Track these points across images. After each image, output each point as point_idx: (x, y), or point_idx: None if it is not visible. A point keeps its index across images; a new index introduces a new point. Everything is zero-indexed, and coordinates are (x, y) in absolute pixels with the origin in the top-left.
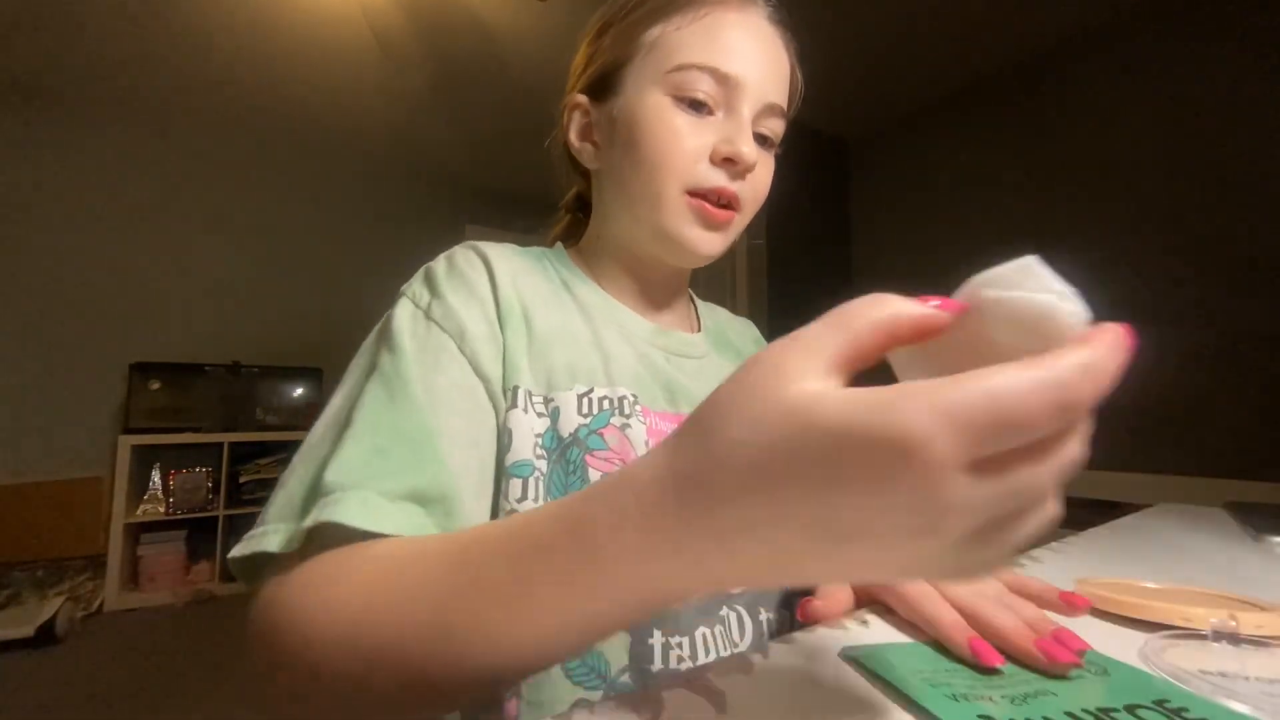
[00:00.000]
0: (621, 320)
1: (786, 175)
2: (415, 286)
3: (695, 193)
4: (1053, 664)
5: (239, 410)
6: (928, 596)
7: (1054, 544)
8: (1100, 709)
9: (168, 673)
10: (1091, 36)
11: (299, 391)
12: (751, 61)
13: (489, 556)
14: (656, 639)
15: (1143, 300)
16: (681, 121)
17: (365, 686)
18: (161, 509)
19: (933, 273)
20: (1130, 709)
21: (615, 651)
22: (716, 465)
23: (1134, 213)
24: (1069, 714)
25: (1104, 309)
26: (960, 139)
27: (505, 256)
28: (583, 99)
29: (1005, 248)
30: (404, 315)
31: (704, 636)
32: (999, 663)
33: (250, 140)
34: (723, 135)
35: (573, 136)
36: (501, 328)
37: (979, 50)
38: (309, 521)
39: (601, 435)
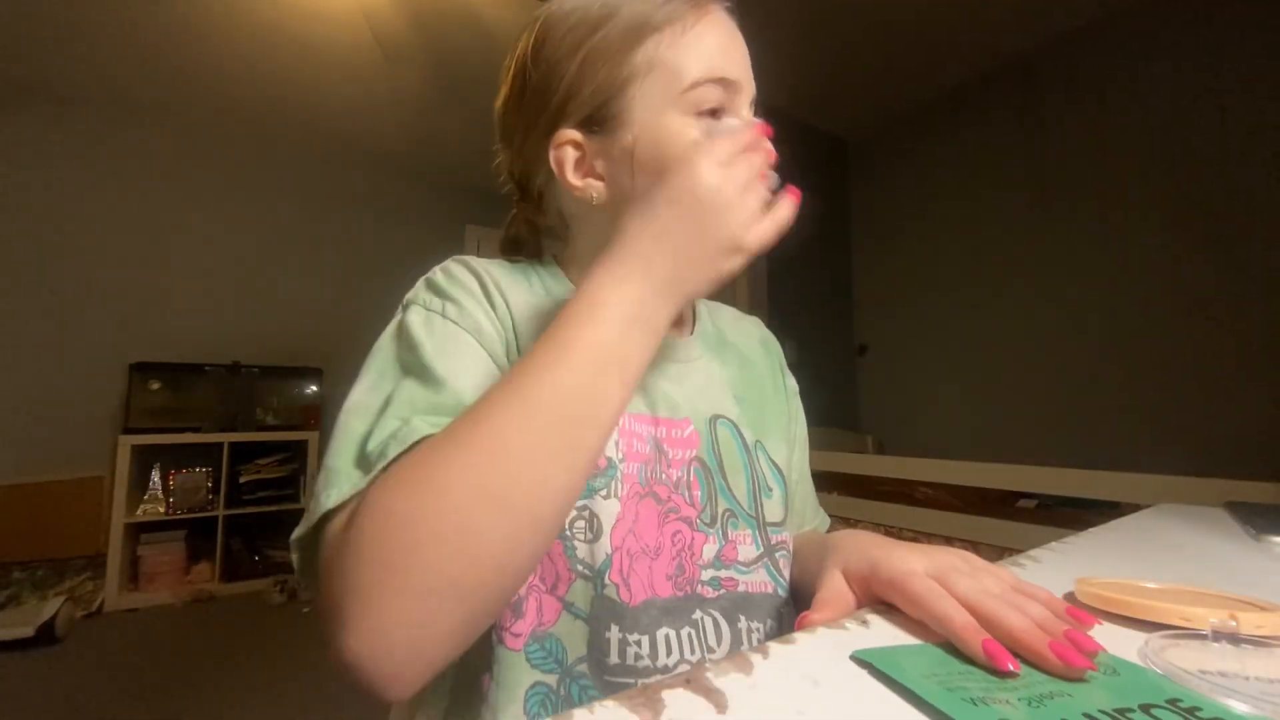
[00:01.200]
0: None
1: (785, 174)
2: (423, 294)
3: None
4: (1067, 668)
5: (239, 410)
6: (937, 595)
7: (1054, 544)
8: (1116, 709)
9: (168, 673)
10: (1091, 35)
11: (299, 391)
12: (739, 61)
13: (544, 341)
14: (614, 633)
15: (1142, 299)
16: (740, 128)
17: (484, 511)
18: (161, 509)
19: (933, 272)
20: (1145, 709)
21: (574, 641)
22: (640, 224)
23: (1133, 212)
24: (1086, 715)
25: (1104, 308)
26: (960, 139)
27: (490, 269)
28: (575, 135)
29: (1005, 247)
30: (418, 320)
31: (666, 637)
32: (1014, 667)
33: (251, 141)
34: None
35: (570, 177)
36: (503, 330)
37: (978, 50)
38: (383, 463)
39: None
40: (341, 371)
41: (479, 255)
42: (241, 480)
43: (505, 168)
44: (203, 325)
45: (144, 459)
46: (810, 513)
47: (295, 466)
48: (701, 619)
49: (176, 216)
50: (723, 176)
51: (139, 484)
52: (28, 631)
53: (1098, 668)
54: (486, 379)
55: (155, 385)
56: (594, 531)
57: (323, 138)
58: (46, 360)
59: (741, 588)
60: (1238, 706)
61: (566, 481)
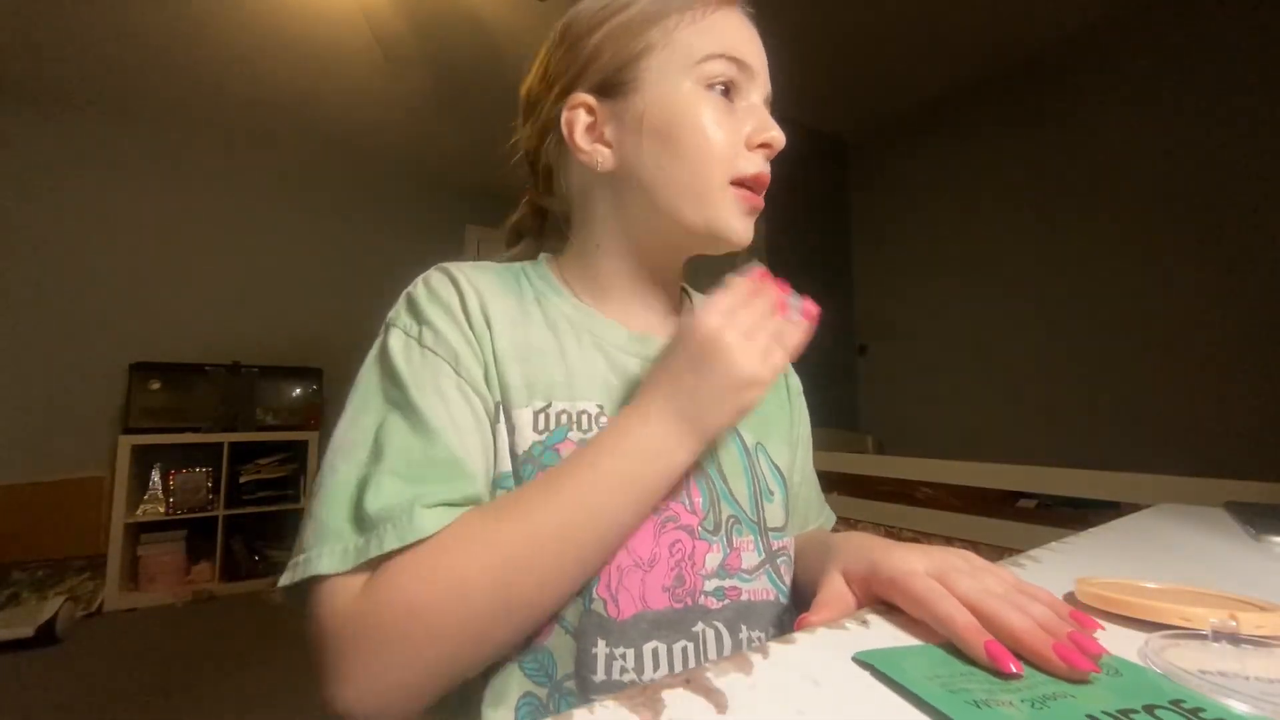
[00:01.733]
0: (597, 331)
1: (786, 175)
2: (403, 317)
3: (737, 181)
4: (1070, 670)
5: (239, 410)
6: (938, 595)
7: (1054, 544)
8: (1120, 710)
9: (168, 673)
10: (1092, 36)
11: (299, 391)
12: (754, 52)
13: (568, 463)
14: (600, 648)
15: (1142, 299)
16: (719, 110)
17: (512, 591)
18: (161, 509)
19: (933, 272)
20: (1149, 709)
21: (563, 656)
22: (662, 371)
23: (1133, 212)
24: (1090, 716)
25: (1103, 308)
26: (960, 139)
27: (473, 277)
28: (588, 98)
29: (1005, 247)
30: (398, 346)
31: (654, 651)
32: (1017, 669)
33: (251, 141)
34: (755, 121)
35: (579, 139)
36: (478, 347)
37: (978, 50)
38: (391, 541)
39: (558, 450)
40: (341, 371)
41: (479, 255)
42: (241, 480)
43: (521, 145)
44: (203, 325)
45: (144, 459)
46: (814, 512)
47: (295, 466)
48: (703, 631)
49: (176, 216)
50: (724, 322)
51: (139, 484)
52: (28, 631)
53: (1101, 670)
54: (465, 415)
55: (155, 385)
56: None
57: (323, 138)
58: (46, 360)
59: (745, 596)
60: (1238, 707)
61: (571, 590)
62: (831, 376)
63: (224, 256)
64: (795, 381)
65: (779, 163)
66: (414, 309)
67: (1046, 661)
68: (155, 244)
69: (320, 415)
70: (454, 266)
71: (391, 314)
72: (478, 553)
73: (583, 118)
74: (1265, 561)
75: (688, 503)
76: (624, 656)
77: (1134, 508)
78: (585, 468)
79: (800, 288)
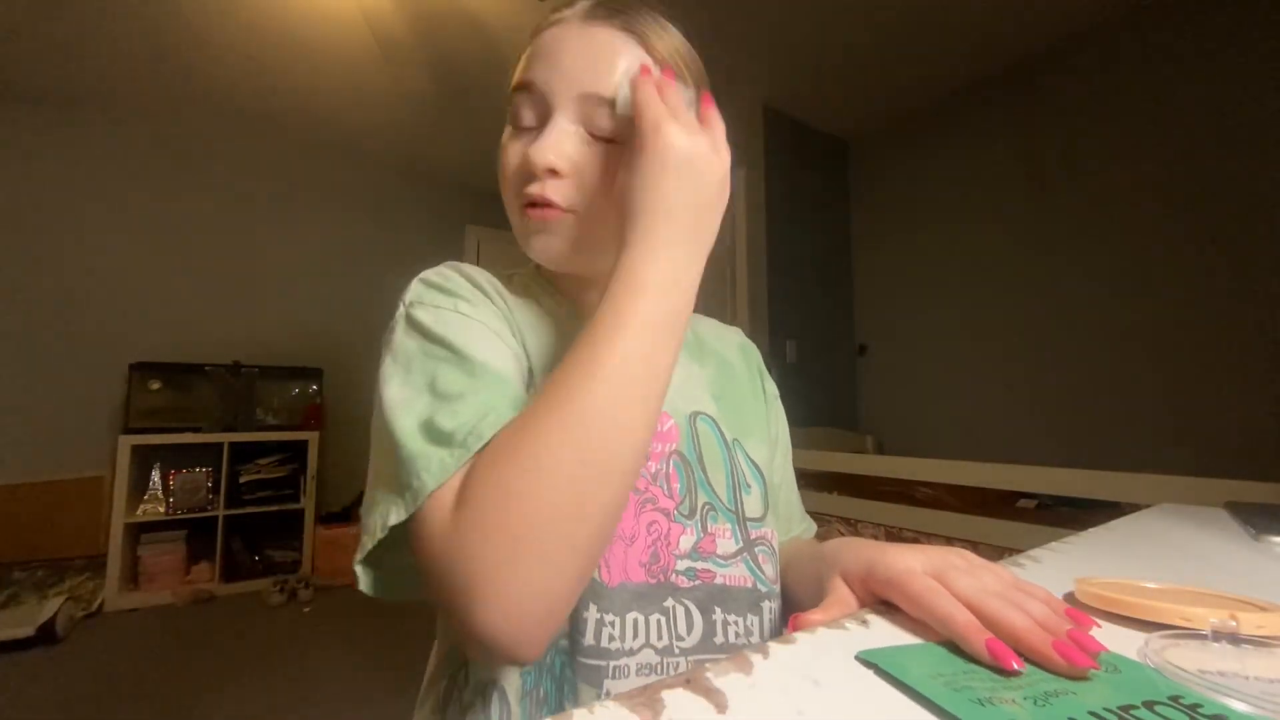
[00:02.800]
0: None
1: (787, 175)
2: (426, 293)
3: (526, 203)
4: (1070, 668)
5: (239, 410)
6: (937, 594)
7: (1054, 544)
8: (1121, 707)
9: (168, 673)
10: (1090, 35)
11: (299, 391)
12: (553, 65)
13: (603, 319)
14: (591, 612)
15: (1142, 300)
16: (512, 146)
17: (587, 469)
18: (161, 509)
19: (932, 272)
20: (1149, 705)
21: None
22: (651, 200)
23: (1133, 213)
24: (1092, 713)
25: (1103, 308)
26: (960, 139)
27: (478, 270)
28: None
29: (1005, 247)
30: (429, 318)
31: (635, 621)
32: (1019, 666)
33: (251, 141)
34: (527, 150)
35: None
36: (512, 320)
37: (978, 50)
38: (479, 443)
39: None
40: (341, 371)
41: (479, 255)
42: (241, 480)
43: None
44: (203, 325)
45: (144, 459)
46: (796, 519)
47: (295, 466)
48: (674, 607)
49: (176, 217)
50: (683, 130)
51: (139, 484)
52: (28, 631)
53: (1101, 667)
54: (519, 366)
55: (155, 385)
56: None
57: (322, 138)
58: (46, 360)
59: (719, 580)
60: (1237, 706)
61: (645, 438)
62: (831, 376)
63: (224, 256)
64: (771, 387)
65: (780, 163)
66: (440, 288)
67: (1047, 659)
68: (155, 244)
69: (320, 415)
70: (460, 263)
71: (410, 296)
72: (552, 428)
73: None
74: (1265, 561)
75: (665, 488)
76: (612, 624)
77: (1134, 508)
78: (616, 319)
79: (800, 288)
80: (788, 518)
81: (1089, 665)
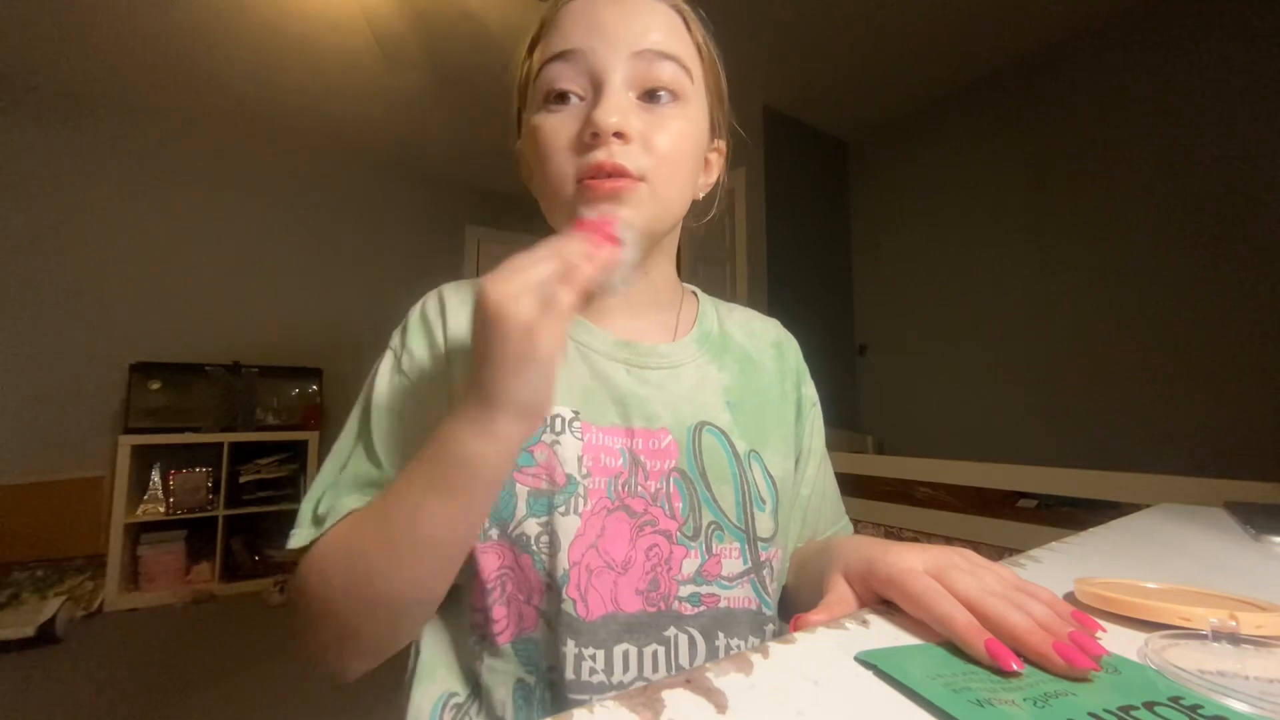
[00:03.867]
0: (581, 338)
1: (787, 175)
2: (396, 339)
3: (585, 177)
4: (1070, 669)
5: (239, 410)
6: (937, 594)
7: (1054, 544)
8: (1120, 707)
9: (168, 673)
10: (1090, 35)
11: (299, 391)
12: (598, 27)
13: (401, 479)
14: (570, 648)
15: (1142, 300)
16: (554, 121)
17: (357, 590)
18: (161, 509)
19: (932, 272)
20: (1149, 706)
21: (547, 650)
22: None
23: (1133, 213)
24: (1091, 714)
25: (1103, 308)
26: (960, 139)
27: (461, 296)
28: (518, 145)
29: (1004, 248)
30: (385, 370)
31: (625, 653)
32: (1018, 667)
33: (251, 141)
34: (582, 118)
35: (524, 178)
36: (448, 367)
37: (978, 50)
38: (326, 525)
39: (531, 453)
40: (341, 371)
41: (479, 255)
42: (241, 480)
43: None
44: (203, 325)
45: (144, 459)
46: (826, 522)
47: (295, 466)
48: (676, 636)
49: (176, 216)
50: (494, 284)
51: (139, 484)
52: (28, 631)
53: (1101, 668)
54: (420, 434)
55: (155, 385)
56: (553, 547)
57: (323, 138)
58: (46, 360)
59: (723, 603)
60: (1237, 706)
61: (413, 593)
62: (831, 376)
63: (224, 256)
64: (811, 392)
65: (780, 163)
66: (404, 333)
67: (1047, 660)
68: (155, 244)
69: (320, 415)
70: (449, 287)
71: (394, 333)
72: (337, 547)
73: (521, 162)
74: (1265, 561)
75: (667, 507)
76: (593, 657)
77: (1134, 508)
78: (405, 473)
79: (801, 288)
80: (815, 524)
81: (1089, 667)
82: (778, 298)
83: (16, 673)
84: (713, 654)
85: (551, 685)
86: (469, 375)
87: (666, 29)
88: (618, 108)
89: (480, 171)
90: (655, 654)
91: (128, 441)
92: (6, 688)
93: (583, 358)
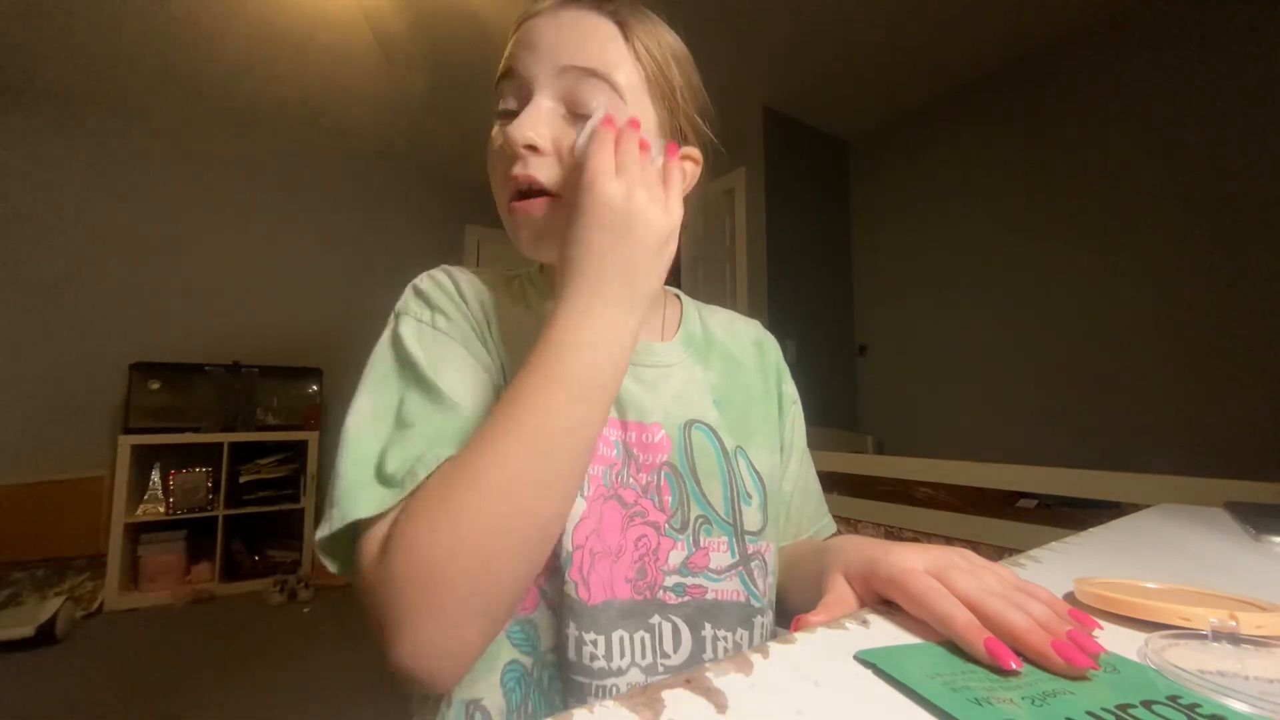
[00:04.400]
0: None
1: (786, 175)
2: (413, 305)
3: (511, 195)
4: (1069, 668)
5: (239, 410)
6: (938, 594)
7: (1054, 544)
8: (1119, 706)
9: (168, 673)
10: (1091, 35)
11: (299, 391)
12: (529, 45)
13: (527, 378)
14: (572, 630)
15: (1142, 300)
16: (496, 136)
17: (497, 509)
18: (161, 509)
19: (932, 272)
20: (1147, 704)
21: (546, 631)
22: (583, 255)
23: (1134, 213)
24: (1090, 713)
25: (1103, 308)
26: (960, 139)
27: (470, 279)
28: None
29: (1005, 247)
30: (410, 332)
31: (621, 639)
32: (1016, 666)
33: (251, 140)
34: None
35: None
36: (483, 335)
37: (978, 50)
38: (412, 484)
39: None
40: (341, 371)
41: (479, 255)
42: (241, 480)
43: None
44: (203, 325)
45: (144, 459)
46: (809, 521)
47: (295, 466)
48: (660, 624)
49: (177, 216)
50: (622, 186)
51: (139, 484)
52: (28, 631)
53: (1100, 667)
54: (482, 389)
55: (155, 385)
56: None
57: (323, 138)
58: (46, 360)
59: (710, 595)
60: (1237, 706)
61: (561, 506)
62: (831, 376)
63: (224, 256)
64: (790, 389)
65: (780, 163)
66: (424, 297)
67: (1046, 659)
68: (156, 243)
69: (320, 415)
70: (453, 268)
71: (400, 305)
72: (466, 489)
73: None
74: (1265, 561)
75: (656, 500)
76: (594, 642)
77: (1134, 508)
78: (543, 379)
79: (801, 288)
80: (799, 522)
81: (1088, 665)
82: (778, 298)
83: (16, 673)
84: (699, 644)
85: (554, 667)
86: (590, 269)
87: (597, 43)
88: (530, 122)
89: (480, 171)
90: (643, 640)
91: (128, 441)
92: (6, 688)
93: None
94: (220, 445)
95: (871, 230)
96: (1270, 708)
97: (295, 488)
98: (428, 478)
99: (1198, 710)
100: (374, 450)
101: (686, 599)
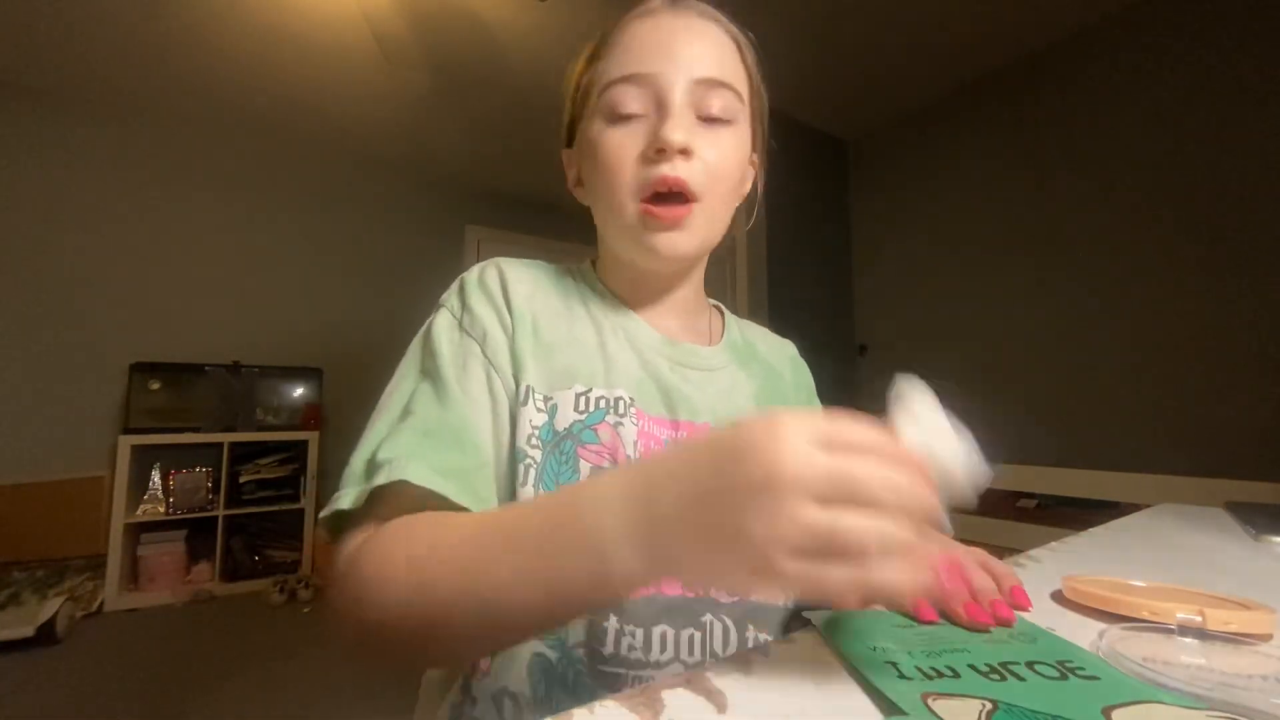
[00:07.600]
0: (631, 330)
1: (787, 175)
2: (452, 299)
3: (646, 197)
4: (971, 622)
5: (239, 410)
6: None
7: (1054, 544)
8: (1002, 663)
9: (168, 673)
10: (1091, 34)
11: (299, 391)
12: (665, 52)
13: (506, 536)
14: (612, 623)
15: (1142, 300)
16: (617, 136)
17: (417, 623)
18: (161, 509)
19: (933, 272)
20: (1030, 665)
21: (576, 624)
22: (657, 486)
23: (1134, 213)
24: (971, 665)
25: (1103, 308)
26: (960, 139)
27: (520, 272)
28: (568, 150)
29: (1005, 247)
30: (443, 325)
31: (663, 634)
32: (933, 619)
33: (251, 141)
34: (650, 133)
35: (570, 184)
36: (512, 333)
37: (978, 50)
38: (380, 479)
39: (595, 430)
40: (341, 371)
41: (479, 255)
42: (241, 480)
43: None
44: (203, 325)
45: (144, 459)
46: None
47: (295, 466)
48: (712, 623)
49: (176, 216)
50: (811, 517)
51: (139, 484)
52: (28, 631)
53: (994, 625)
54: (483, 393)
55: (155, 385)
56: None
57: (323, 138)
58: (46, 360)
59: (756, 596)
60: (1165, 684)
61: (478, 648)
62: (831, 376)
63: (224, 256)
64: (807, 379)
65: (780, 163)
66: (462, 294)
67: (954, 614)
68: (155, 244)
69: (320, 415)
70: (506, 261)
71: (445, 295)
72: (400, 562)
73: (571, 165)
74: (1265, 561)
75: None
76: (633, 634)
77: (1134, 508)
78: (513, 539)
79: (801, 288)
80: None
81: (985, 621)
82: (778, 298)
83: (16, 673)
84: (743, 644)
85: (585, 660)
86: (653, 473)
87: (724, 56)
88: (684, 126)
89: (480, 172)
90: (691, 638)
91: (128, 441)
92: (6, 688)
93: (633, 349)
94: (220, 445)
95: (871, 230)
96: (1196, 690)
97: (295, 488)
98: (418, 518)
99: (1077, 670)
100: (380, 437)
101: (737, 599)
